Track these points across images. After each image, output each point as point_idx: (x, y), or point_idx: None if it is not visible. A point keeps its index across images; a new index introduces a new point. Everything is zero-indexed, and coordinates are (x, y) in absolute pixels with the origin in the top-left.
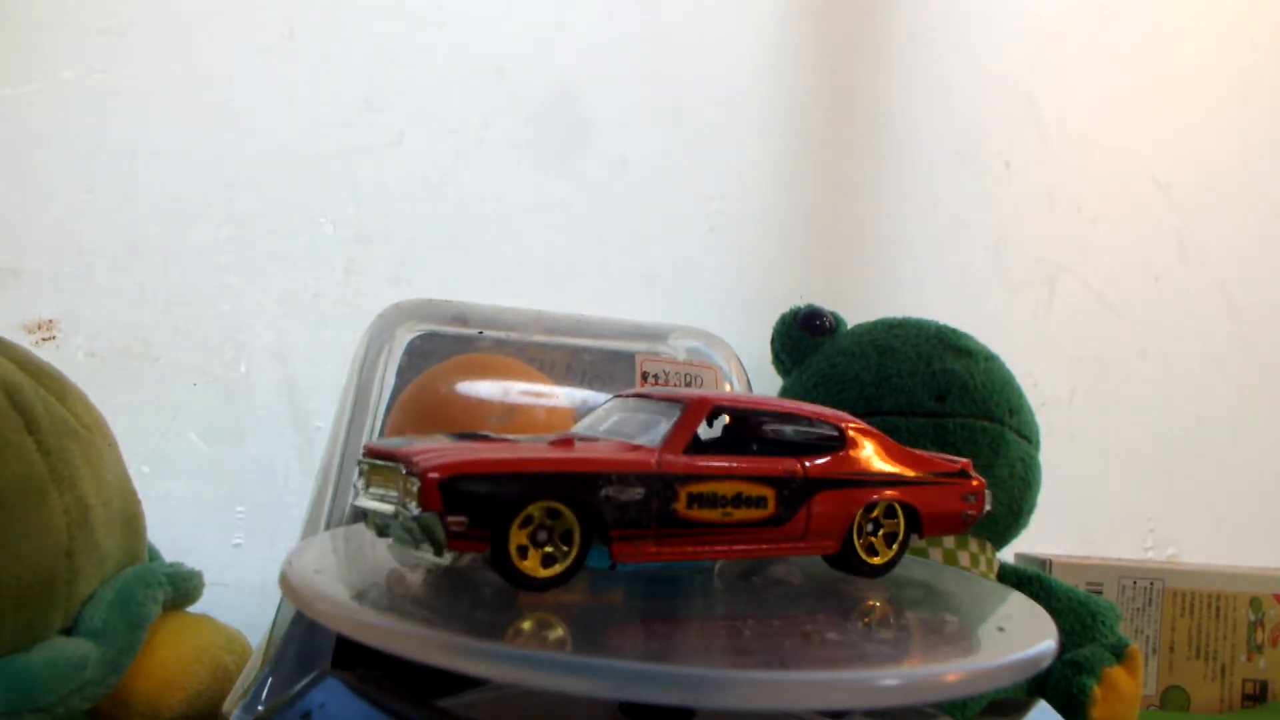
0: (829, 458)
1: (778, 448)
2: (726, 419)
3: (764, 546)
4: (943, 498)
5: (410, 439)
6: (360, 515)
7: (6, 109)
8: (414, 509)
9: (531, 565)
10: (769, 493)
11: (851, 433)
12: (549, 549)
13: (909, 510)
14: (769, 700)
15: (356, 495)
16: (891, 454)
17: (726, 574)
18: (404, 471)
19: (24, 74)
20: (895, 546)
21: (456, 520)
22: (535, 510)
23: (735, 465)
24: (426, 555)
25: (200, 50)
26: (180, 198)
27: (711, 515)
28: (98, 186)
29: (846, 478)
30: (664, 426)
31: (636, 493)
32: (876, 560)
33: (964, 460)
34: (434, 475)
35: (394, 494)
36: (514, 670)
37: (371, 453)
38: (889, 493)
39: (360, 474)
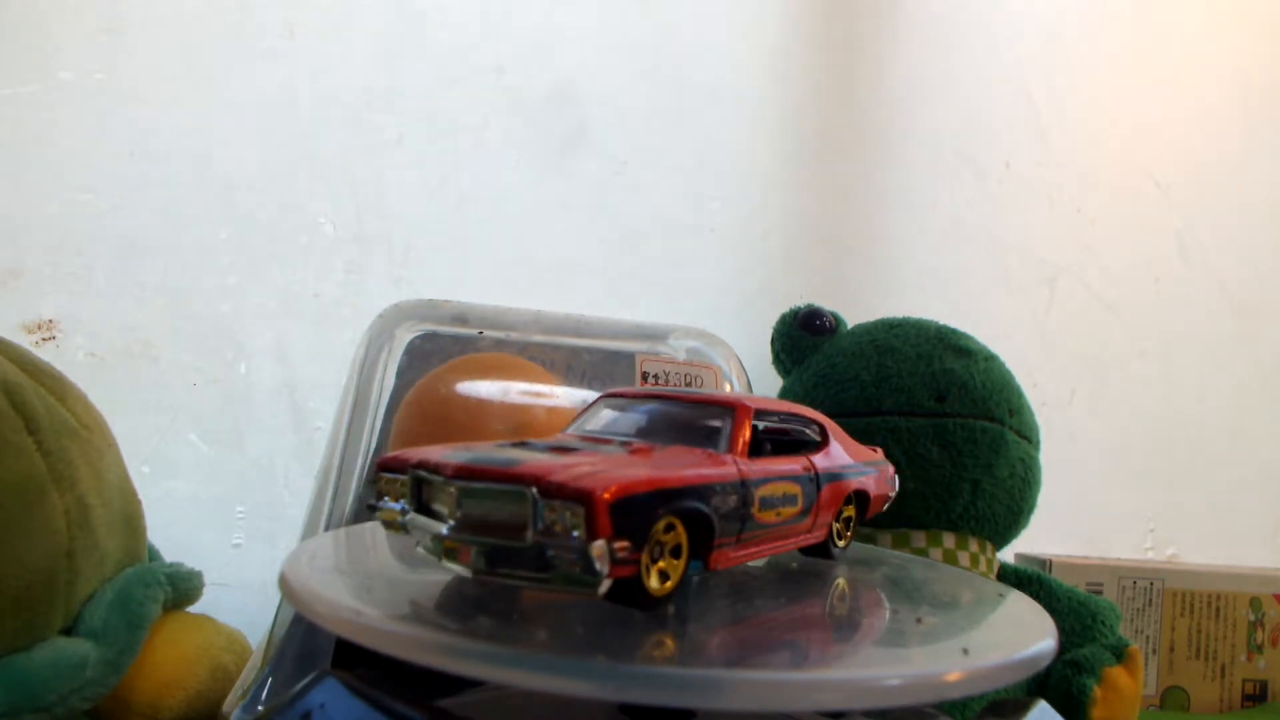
0: (821, 454)
1: (784, 447)
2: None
3: (791, 541)
4: (879, 483)
5: (502, 454)
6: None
7: (6, 109)
8: (578, 537)
9: (655, 583)
10: (798, 490)
11: (828, 429)
12: (661, 564)
13: (862, 496)
14: (769, 701)
15: (408, 521)
16: (848, 446)
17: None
18: (537, 494)
19: (24, 74)
20: (851, 529)
21: (622, 545)
22: (659, 526)
23: (784, 467)
24: (553, 585)
25: (200, 50)
26: (180, 198)
27: (770, 516)
28: (98, 186)
29: (836, 471)
30: (715, 432)
31: (732, 501)
32: (842, 544)
33: (878, 447)
34: (605, 498)
35: (510, 520)
36: (514, 673)
37: (469, 473)
38: (858, 482)
39: (419, 497)
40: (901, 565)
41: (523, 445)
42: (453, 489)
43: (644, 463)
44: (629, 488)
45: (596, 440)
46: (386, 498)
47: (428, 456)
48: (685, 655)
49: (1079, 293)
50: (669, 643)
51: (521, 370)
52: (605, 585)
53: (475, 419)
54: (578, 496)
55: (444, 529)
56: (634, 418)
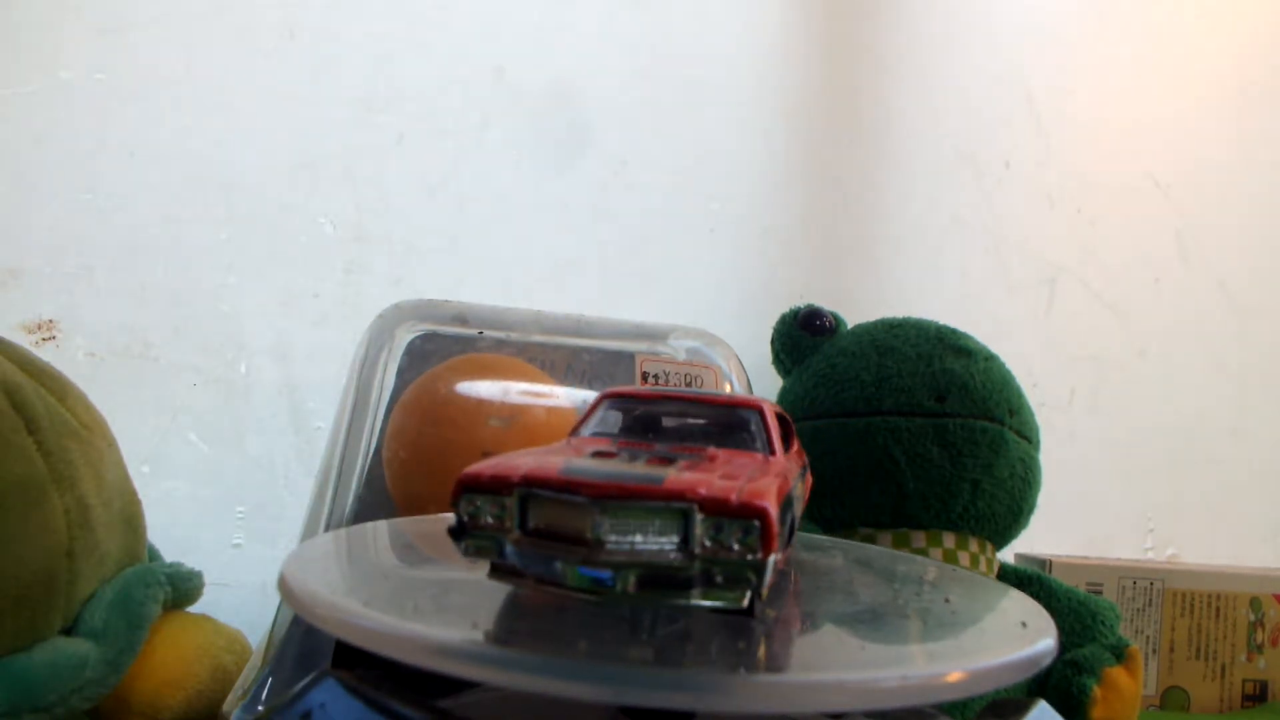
0: (795, 448)
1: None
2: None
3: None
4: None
5: (630, 469)
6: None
7: (6, 109)
8: (756, 554)
9: (763, 591)
10: (802, 488)
11: (790, 426)
12: None
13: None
14: (770, 703)
15: (519, 548)
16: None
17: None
18: (698, 510)
19: (24, 74)
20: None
21: (780, 558)
22: None
23: (797, 466)
24: (697, 602)
25: (200, 50)
26: (180, 198)
27: (798, 512)
28: (98, 186)
29: (807, 465)
30: (750, 433)
31: (793, 502)
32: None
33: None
34: (774, 513)
35: (661, 539)
36: (514, 675)
37: (618, 491)
38: (810, 476)
39: (525, 518)
40: (905, 568)
41: (605, 455)
42: (596, 510)
43: (744, 472)
44: (778, 500)
45: (638, 444)
46: (471, 520)
47: (534, 472)
48: (685, 657)
49: (1079, 293)
50: (669, 644)
51: (516, 370)
52: (749, 597)
53: (472, 418)
54: (750, 513)
55: (581, 553)
56: (660, 420)
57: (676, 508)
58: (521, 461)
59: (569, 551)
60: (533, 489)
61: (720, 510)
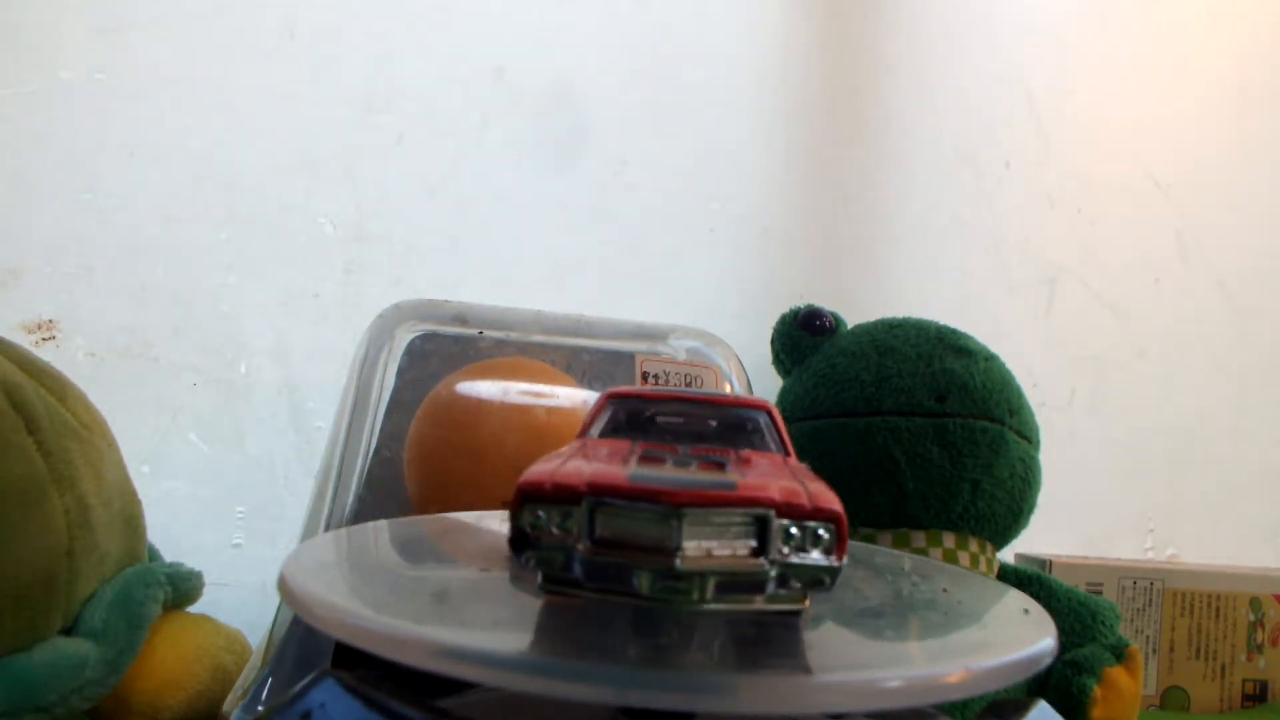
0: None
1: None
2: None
3: None
4: None
5: (695, 476)
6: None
7: (6, 109)
8: (833, 557)
9: None
10: None
11: None
12: None
13: None
14: (770, 703)
15: (591, 560)
16: None
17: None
18: (775, 515)
19: (24, 74)
20: None
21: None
22: None
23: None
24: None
25: (200, 50)
26: (180, 198)
27: None
28: (98, 186)
29: None
30: (761, 434)
31: None
32: None
33: None
34: (844, 515)
35: (735, 545)
36: (514, 676)
37: (700, 499)
38: None
39: (593, 528)
40: (904, 567)
41: (653, 460)
42: (674, 518)
43: (783, 474)
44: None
45: (662, 447)
46: (535, 531)
47: (600, 480)
48: (685, 658)
49: (1079, 293)
50: (669, 645)
51: (540, 373)
52: (809, 599)
53: (489, 420)
54: (825, 516)
55: (659, 562)
56: (671, 422)
57: (754, 513)
58: (578, 468)
59: (645, 561)
60: (603, 498)
61: (795, 514)
